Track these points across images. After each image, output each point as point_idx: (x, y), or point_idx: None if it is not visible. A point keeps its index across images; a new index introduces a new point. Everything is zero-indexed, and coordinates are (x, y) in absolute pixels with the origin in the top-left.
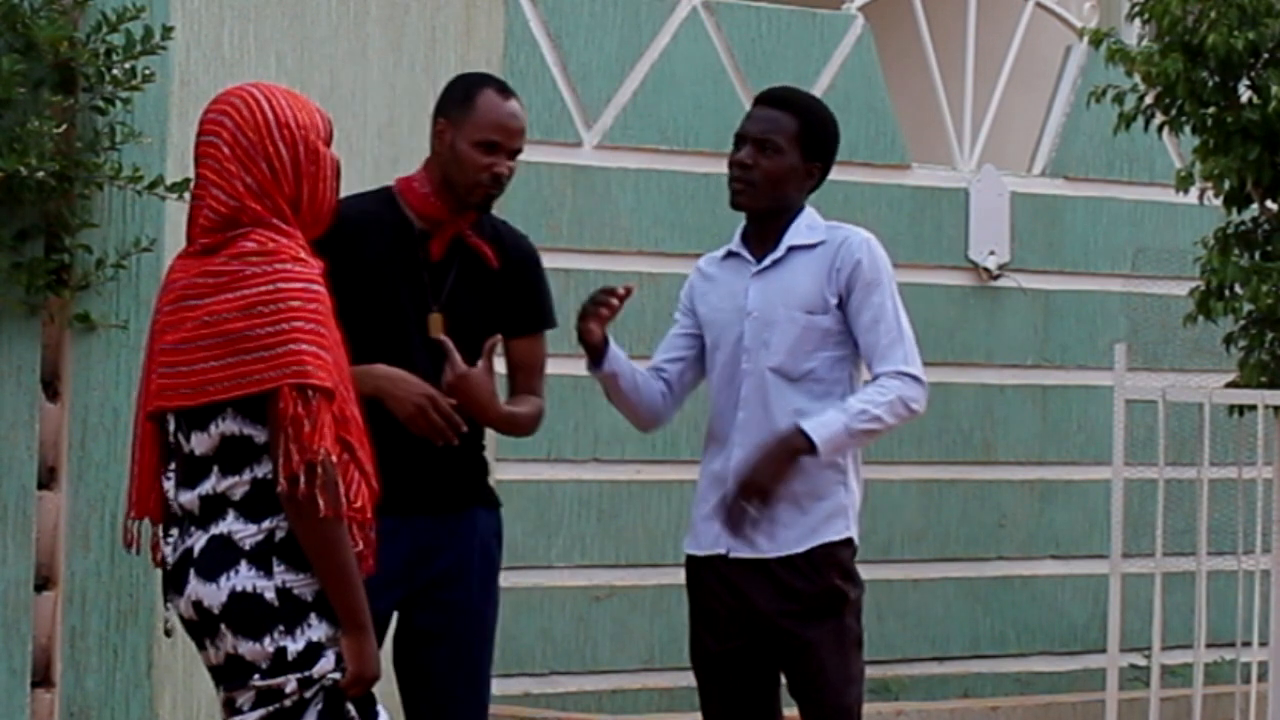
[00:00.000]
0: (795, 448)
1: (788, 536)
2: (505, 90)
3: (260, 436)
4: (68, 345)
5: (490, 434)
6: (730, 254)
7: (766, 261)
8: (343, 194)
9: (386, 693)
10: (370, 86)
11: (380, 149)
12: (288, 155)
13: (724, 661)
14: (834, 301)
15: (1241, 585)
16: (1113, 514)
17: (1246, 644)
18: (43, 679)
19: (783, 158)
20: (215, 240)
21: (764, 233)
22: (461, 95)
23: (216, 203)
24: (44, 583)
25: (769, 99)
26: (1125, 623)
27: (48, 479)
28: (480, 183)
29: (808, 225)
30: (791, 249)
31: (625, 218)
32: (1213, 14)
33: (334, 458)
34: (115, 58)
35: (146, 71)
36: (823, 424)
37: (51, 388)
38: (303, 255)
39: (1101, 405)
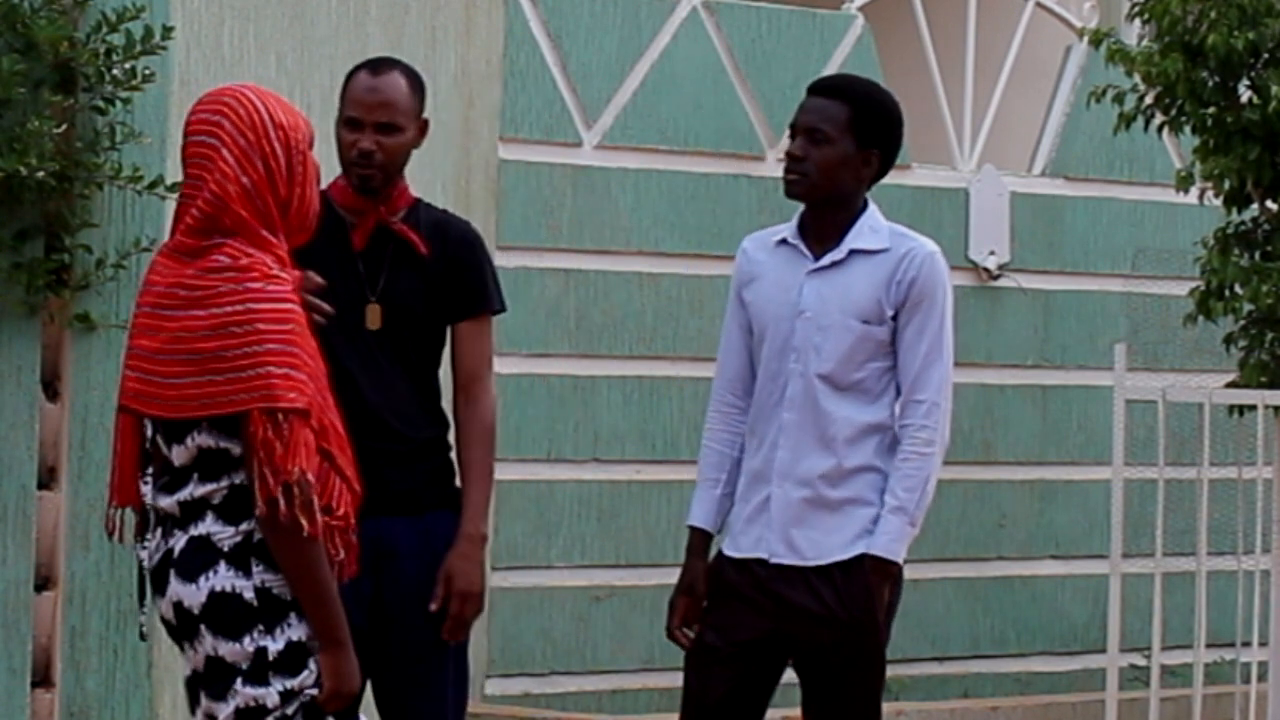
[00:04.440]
0: (887, 576)
1: (830, 544)
2: (377, 66)
3: (236, 449)
4: (68, 345)
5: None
6: (784, 242)
7: (825, 261)
8: None
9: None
10: None
11: None
12: (283, 157)
13: (729, 660)
14: (890, 313)
15: (1241, 585)
16: (1113, 514)
17: (1246, 644)
18: (43, 679)
19: (833, 147)
20: (195, 244)
21: (822, 227)
22: (344, 84)
23: (205, 203)
24: (44, 583)
25: (820, 88)
26: (1125, 623)
27: (48, 479)
28: (350, 161)
29: (871, 228)
30: (853, 252)
31: (625, 218)
32: (1213, 14)
33: (310, 476)
34: (115, 58)
35: (146, 71)
36: (892, 539)
37: (51, 388)
38: (275, 270)
39: (1101, 405)
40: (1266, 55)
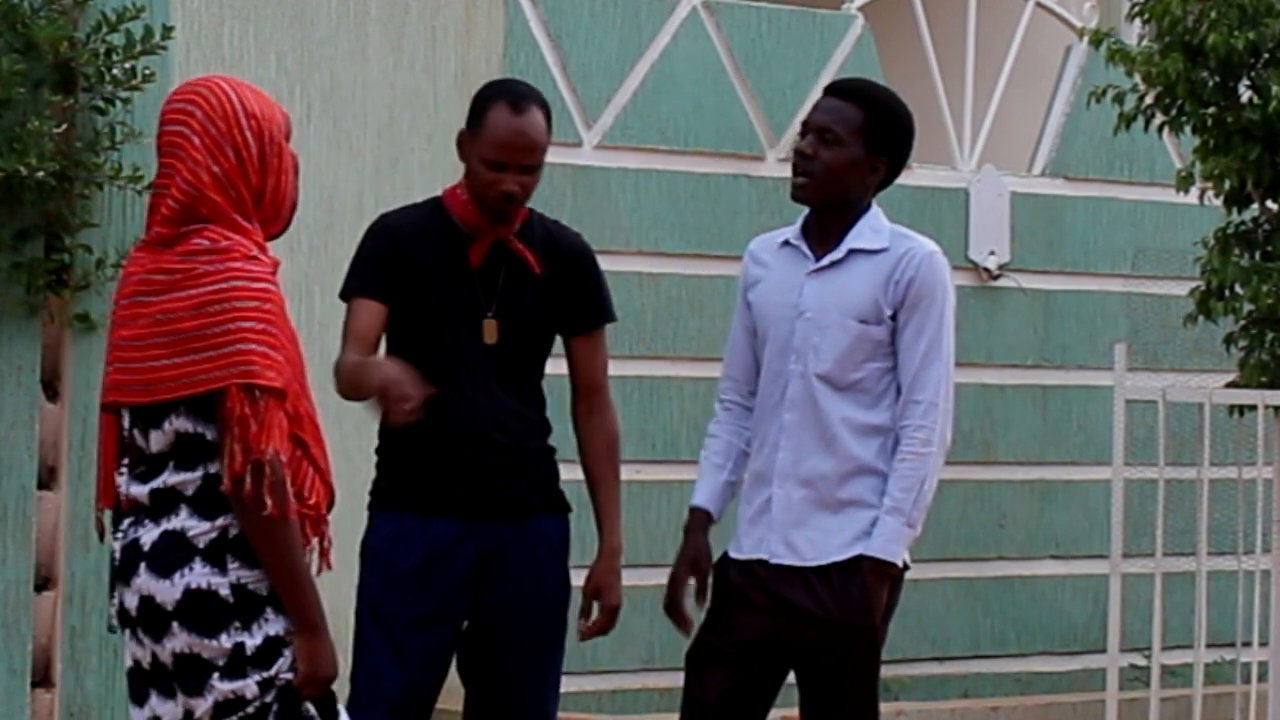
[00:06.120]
0: (885, 577)
1: (829, 544)
2: (519, 103)
3: (211, 434)
4: (68, 345)
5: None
6: (787, 243)
7: (825, 261)
8: (342, 193)
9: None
10: (370, 86)
11: (380, 149)
12: (255, 146)
13: (729, 661)
14: (889, 313)
15: (1241, 585)
16: (1113, 514)
17: (1246, 644)
18: (43, 679)
19: (843, 149)
20: (171, 232)
21: (825, 229)
22: (479, 108)
23: (179, 192)
24: (44, 583)
25: (837, 89)
26: (1125, 623)
27: (48, 479)
28: (491, 199)
29: (872, 228)
30: (853, 252)
31: (625, 218)
32: (1213, 14)
33: (283, 457)
34: (115, 58)
35: (146, 71)
36: (888, 539)
37: (51, 388)
38: (255, 253)
39: (1101, 405)
40: (1266, 55)
